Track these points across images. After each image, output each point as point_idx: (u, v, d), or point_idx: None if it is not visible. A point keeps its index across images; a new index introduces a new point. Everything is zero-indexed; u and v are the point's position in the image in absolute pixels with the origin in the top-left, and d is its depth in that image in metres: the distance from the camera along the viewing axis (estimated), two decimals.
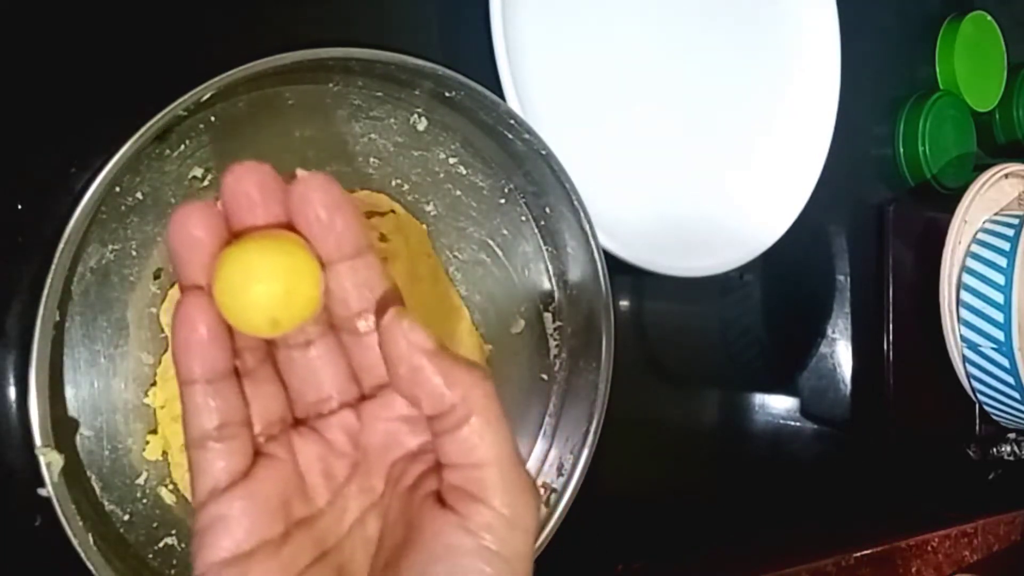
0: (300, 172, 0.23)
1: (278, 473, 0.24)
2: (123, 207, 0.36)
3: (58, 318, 0.34)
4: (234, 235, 0.23)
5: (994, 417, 0.65)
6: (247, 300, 0.22)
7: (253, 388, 0.24)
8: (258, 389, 0.24)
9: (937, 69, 0.70)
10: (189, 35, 0.39)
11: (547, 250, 0.47)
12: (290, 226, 0.23)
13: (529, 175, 0.45)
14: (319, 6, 0.42)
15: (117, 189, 0.35)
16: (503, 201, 0.46)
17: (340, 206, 0.23)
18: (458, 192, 0.44)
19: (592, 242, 0.44)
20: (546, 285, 0.47)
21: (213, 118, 0.37)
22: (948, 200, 0.63)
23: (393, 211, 0.42)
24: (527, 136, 0.42)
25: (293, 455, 0.25)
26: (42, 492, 0.32)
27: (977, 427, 0.66)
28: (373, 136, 0.42)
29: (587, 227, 0.44)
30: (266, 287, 0.22)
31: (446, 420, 0.23)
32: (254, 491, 0.23)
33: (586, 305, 0.46)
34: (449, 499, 0.23)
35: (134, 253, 0.37)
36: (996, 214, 0.65)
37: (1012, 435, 0.68)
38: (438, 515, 0.23)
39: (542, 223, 0.46)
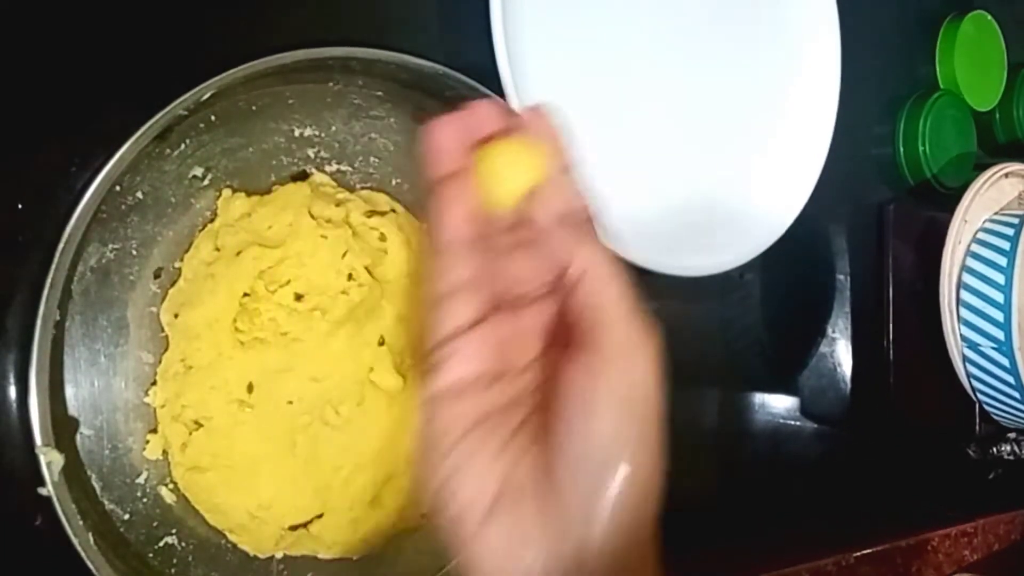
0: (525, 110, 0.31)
1: (500, 330, 0.29)
2: (123, 206, 0.36)
3: (58, 317, 0.34)
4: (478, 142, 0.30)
5: (994, 416, 0.65)
6: (501, 178, 0.29)
7: (490, 265, 0.30)
8: (493, 266, 0.30)
9: (937, 68, 0.70)
10: (189, 35, 0.39)
11: None
12: None
13: None
14: (319, 6, 0.42)
15: (117, 188, 0.35)
16: None
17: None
18: None
19: None
20: None
21: (213, 117, 0.37)
22: (948, 199, 0.63)
23: (393, 210, 0.42)
24: None
25: (511, 323, 0.30)
26: (42, 491, 0.32)
27: (977, 426, 0.66)
28: (373, 135, 0.42)
29: None
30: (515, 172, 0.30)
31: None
32: (486, 335, 0.29)
33: None
34: (576, 341, 0.29)
35: (134, 252, 0.37)
36: (996, 213, 0.64)
37: (1012, 434, 0.68)
38: (567, 366, 0.29)
39: None
